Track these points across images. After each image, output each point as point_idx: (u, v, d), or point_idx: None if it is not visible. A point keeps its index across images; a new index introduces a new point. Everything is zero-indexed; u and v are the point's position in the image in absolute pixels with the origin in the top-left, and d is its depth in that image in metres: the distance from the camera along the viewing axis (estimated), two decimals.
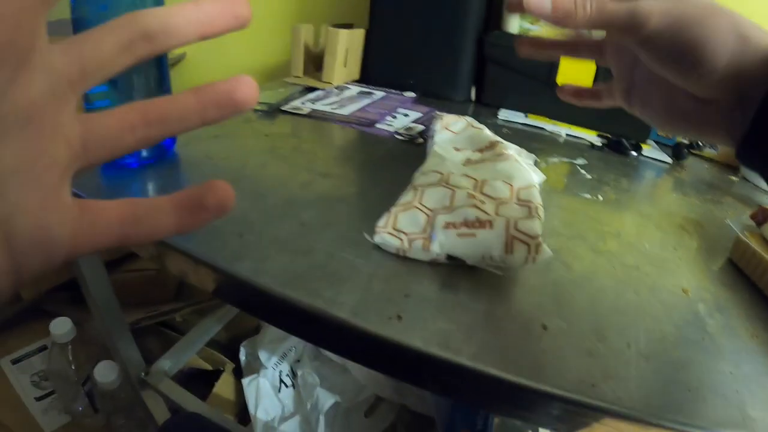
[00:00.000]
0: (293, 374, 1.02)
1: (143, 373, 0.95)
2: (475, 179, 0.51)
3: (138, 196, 0.47)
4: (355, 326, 0.35)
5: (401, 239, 0.43)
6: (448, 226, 0.43)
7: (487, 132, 0.64)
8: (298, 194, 0.52)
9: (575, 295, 0.43)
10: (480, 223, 0.42)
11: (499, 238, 0.41)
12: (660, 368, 0.36)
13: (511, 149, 0.59)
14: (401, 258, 0.43)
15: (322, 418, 0.90)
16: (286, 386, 1.00)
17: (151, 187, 0.50)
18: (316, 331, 0.39)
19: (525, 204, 0.47)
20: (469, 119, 0.67)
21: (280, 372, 1.01)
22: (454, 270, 0.42)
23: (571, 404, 0.33)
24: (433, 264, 0.43)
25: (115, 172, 0.51)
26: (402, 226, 0.44)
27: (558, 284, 0.44)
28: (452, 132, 0.64)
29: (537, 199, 0.48)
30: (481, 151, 0.60)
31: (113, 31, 0.20)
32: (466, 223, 0.42)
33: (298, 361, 1.03)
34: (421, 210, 0.45)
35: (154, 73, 0.51)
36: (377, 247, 0.44)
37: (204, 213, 0.22)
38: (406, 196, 0.48)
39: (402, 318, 0.36)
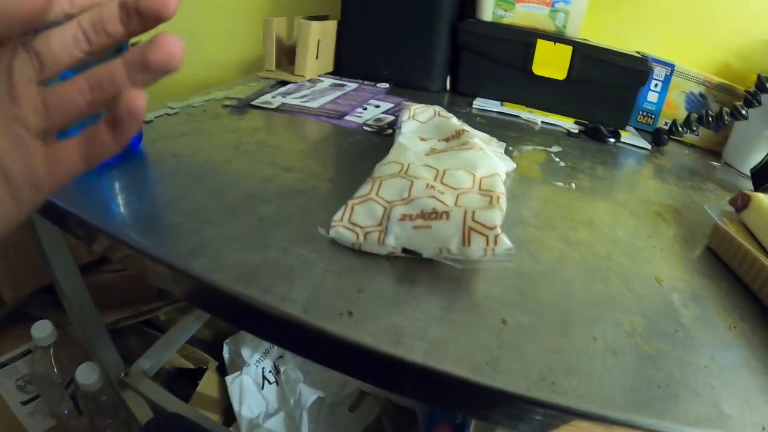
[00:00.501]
0: (276, 371, 1.01)
1: (123, 374, 0.94)
2: (436, 169, 0.50)
3: (107, 194, 0.48)
4: (305, 323, 0.34)
5: (356, 233, 0.42)
6: (404, 218, 0.41)
7: (455, 120, 0.63)
8: (259, 189, 0.51)
9: (541, 287, 0.42)
10: (437, 215, 0.41)
11: (456, 229, 0.40)
12: (628, 363, 0.35)
13: (478, 137, 0.58)
14: (357, 252, 0.42)
15: (305, 414, 0.90)
16: (270, 383, 0.99)
17: (118, 185, 0.49)
18: (268, 328, 0.38)
19: (487, 193, 0.46)
20: (437, 108, 0.66)
21: (263, 369, 1.01)
22: (413, 264, 0.41)
23: (529, 403, 0.32)
24: (391, 258, 0.42)
25: (83, 174, 0.50)
26: (358, 219, 0.43)
27: (523, 276, 0.43)
28: (419, 122, 0.63)
29: (500, 189, 0.47)
30: (447, 140, 0.59)
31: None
32: (423, 215, 0.41)
33: (281, 357, 1.03)
34: (378, 202, 0.44)
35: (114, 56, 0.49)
36: (334, 242, 0.43)
37: (149, 71, 0.23)
38: (364, 189, 0.47)
39: (353, 314, 0.35)
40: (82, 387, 0.91)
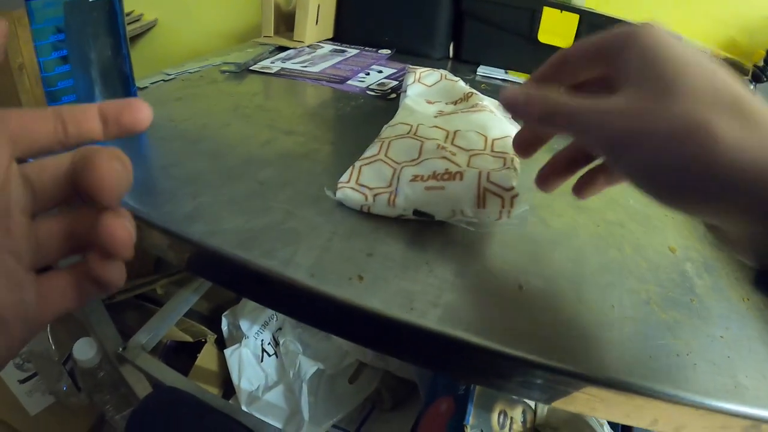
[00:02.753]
0: (275, 343, 1.00)
1: (121, 348, 0.92)
2: (446, 130, 0.48)
3: None
4: (312, 288, 0.33)
5: (365, 194, 0.40)
6: (415, 178, 0.39)
7: (462, 84, 0.60)
8: (258, 153, 0.49)
9: (554, 253, 0.40)
10: (449, 175, 0.39)
11: (470, 190, 0.38)
12: (646, 332, 0.34)
13: (488, 101, 0.56)
14: (365, 215, 0.40)
15: (304, 386, 0.89)
16: (269, 355, 0.98)
17: None
18: (271, 294, 0.36)
19: (500, 155, 0.44)
20: (443, 71, 0.63)
21: (262, 341, 0.99)
22: (423, 227, 0.40)
23: (548, 371, 0.31)
24: (400, 221, 0.40)
25: None
26: (366, 180, 0.41)
27: (536, 242, 0.41)
28: (425, 85, 0.61)
29: (513, 151, 0.45)
30: (455, 103, 0.56)
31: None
32: (435, 176, 0.39)
33: (280, 329, 1.02)
34: (387, 163, 0.42)
35: (110, 42, 0.48)
36: (340, 204, 0.41)
37: (119, 128, 0.24)
38: (372, 150, 0.45)
39: (363, 278, 0.34)
40: (80, 363, 0.89)
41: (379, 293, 0.33)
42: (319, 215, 0.39)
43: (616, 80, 0.27)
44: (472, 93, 0.56)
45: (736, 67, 0.92)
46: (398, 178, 0.40)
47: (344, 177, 0.42)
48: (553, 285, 0.36)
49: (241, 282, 0.38)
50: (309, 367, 0.91)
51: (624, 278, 0.39)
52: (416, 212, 0.39)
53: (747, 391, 0.31)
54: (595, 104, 0.26)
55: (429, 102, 0.57)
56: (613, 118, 0.25)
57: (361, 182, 0.41)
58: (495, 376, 0.32)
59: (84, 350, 0.89)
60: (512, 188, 0.38)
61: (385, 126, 0.50)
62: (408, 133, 0.46)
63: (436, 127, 0.48)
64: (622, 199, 0.51)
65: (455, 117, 0.51)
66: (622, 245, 0.43)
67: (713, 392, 0.30)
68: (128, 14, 1.28)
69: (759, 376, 0.32)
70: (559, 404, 0.32)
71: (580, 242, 0.43)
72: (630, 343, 0.33)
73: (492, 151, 0.45)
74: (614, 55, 0.27)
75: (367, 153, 0.44)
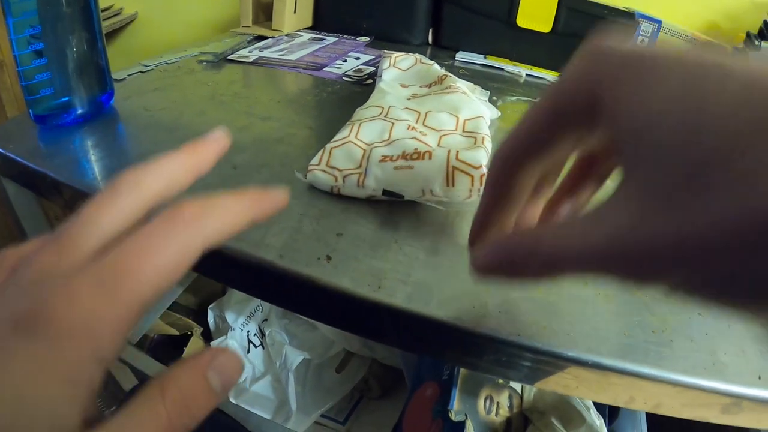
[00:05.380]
0: (261, 334, 1.00)
1: None
2: (418, 112, 0.48)
3: (76, 153, 0.46)
4: (281, 268, 0.33)
5: (335, 176, 0.40)
6: (384, 159, 0.40)
7: (437, 67, 0.60)
8: (234, 138, 0.48)
9: None
10: (419, 155, 0.39)
11: (440, 169, 0.38)
12: (622, 309, 0.34)
13: (461, 83, 0.56)
14: (337, 196, 0.40)
15: (291, 376, 0.89)
16: (255, 346, 0.98)
17: (89, 143, 0.47)
18: (243, 276, 0.36)
19: (471, 135, 0.44)
20: (419, 56, 0.63)
21: (248, 332, 0.99)
22: (395, 207, 0.40)
23: (519, 349, 0.31)
24: (371, 202, 0.40)
25: (51, 134, 0.48)
26: (336, 162, 0.41)
27: None
28: (400, 69, 0.61)
29: (484, 130, 0.45)
30: (429, 86, 0.57)
31: None
32: (404, 155, 0.39)
33: (266, 320, 1.02)
34: (357, 145, 0.42)
35: (86, 35, 0.48)
36: (312, 187, 0.41)
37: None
38: (343, 132, 0.45)
39: (331, 258, 0.34)
40: None
41: (348, 272, 0.33)
42: (292, 198, 0.39)
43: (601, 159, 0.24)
44: (446, 75, 0.57)
45: None
46: (368, 159, 0.40)
47: (314, 160, 0.42)
48: None
49: (212, 265, 0.38)
50: (295, 357, 0.91)
51: None
52: (385, 192, 0.39)
53: (726, 367, 0.31)
54: (600, 224, 0.19)
55: (403, 85, 0.57)
56: (638, 236, 0.18)
57: (332, 164, 0.41)
58: (467, 354, 0.33)
59: None
60: (481, 166, 0.38)
61: (358, 109, 0.50)
62: (379, 115, 0.47)
63: (408, 108, 0.48)
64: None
65: (428, 99, 0.51)
66: None
67: (690, 369, 0.30)
68: (108, 8, 1.27)
69: (738, 352, 0.32)
70: (533, 383, 0.33)
71: None
72: (605, 319, 0.33)
73: (463, 131, 0.45)
74: (582, 133, 0.22)
75: (338, 135, 0.44)
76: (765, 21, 0.76)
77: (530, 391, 0.62)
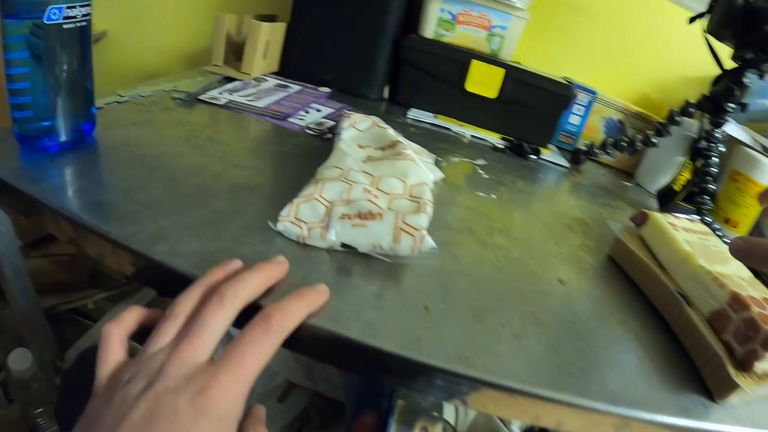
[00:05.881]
0: None
1: (59, 361, 0.94)
2: (372, 175, 0.56)
3: (55, 179, 0.48)
4: (255, 305, 0.39)
5: (301, 227, 0.47)
6: (344, 217, 0.48)
7: (391, 131, 0.69)
8: (211, 183, 0.55)
9: (459, 281, 0.49)
10: (372, 216, 0.48)
11: (388, 229, 0.47)
12: (531, 346, 0.42)
13: (411, 149, 0.65)
14: (302, 245, 0.47)
15: None
16: None
17: (68, 170, 0.51)
18: None
19: (415, 200, 0.53)
20: (375, 119, 0.72)
21: None
22: (350, 257, 0.47)
23: (446, 374, 0.38)
24: (331, 251, 0.48)
25: (33, 156, 0.51)
26: (303, 215, 0.49)
27: (444, 272, 0.50)
28: (358, 130, 0.69)
29: (427, 196, 0.54)
30: (383, 149, 0.65)
31: None
32: (360, 215, 0.48)
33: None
34: (321, 202, 0.50)
35: (77, 50, 0.51)
36: (281, 235, 0.48)
37: None
38: (308, 189, 0.52)
39: None
40: (14, 374, 0.89)
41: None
42: (263, 243, 0.46)
43: None
44: (398, 141, 0.65)
45: (646, 121, 1.05)
46: (330, 215, 0.48)
47: (284, 211, 0.49)
48: (455, 307, 0.45)
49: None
50: None
51: (517, 304, 0.48)
52: (343, 245, 0.47)
53: (615, 394, 0.40)
54: None
55: (360, 146, 0.66)
56: None
57: (299, 217, 0.48)
58: (405, 377, 0.40)
59: (19, 360, 0.88)
60: (422, 229, 0.47)
61: (320, 167, 0.58)
62: (340, 176, 0.55)
63: (364, 172, 0.57)
64: (524, 239, 0.61)
65: (381, 163, 0.60)
66: (519, 277, 0.52)
67: (584, 393, 0.39)
68: None
69: (628, 383, 0.41)
70: (456, 402, 0.40)
71: (483, 274, 0.51)
72: (516, 355, 0.41)
73: (410, 195, 0.54)
74: None
75: (304, 191, 0.52)
76: (686, 101, 0.87)
77: (464, 423, 0.68)
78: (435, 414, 0.65)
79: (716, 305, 0.45)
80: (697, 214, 0.83)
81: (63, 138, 0.53)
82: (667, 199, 0.90)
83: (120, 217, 0.46)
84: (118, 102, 0.72)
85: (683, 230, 0.57)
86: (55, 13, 0.46)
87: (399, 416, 0.66)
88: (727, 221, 0.89)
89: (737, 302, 0.43)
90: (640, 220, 0.62)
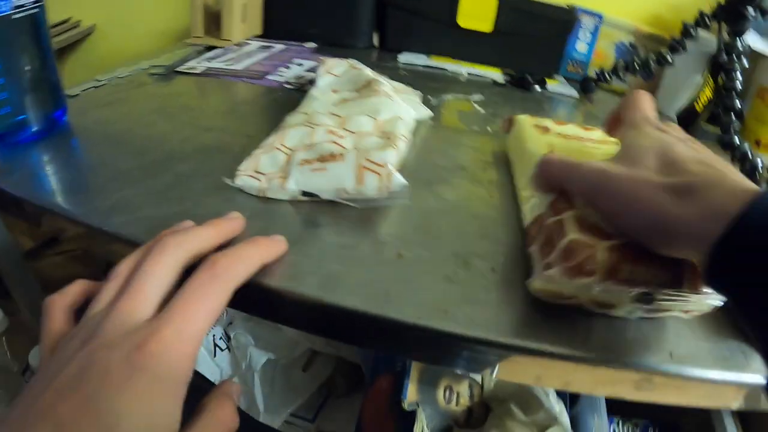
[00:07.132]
0: (227, 337, 1.02)
1: None
2: (340, 116, 0.52)
3: (25, 169, 0.47)
4: None
5: (260, 180, 0.43)
6: (303, 162, 0.43)
7: (367, 71, 0.64)
8: (178, 148, 0.52)
9: (442, 223, 0.44)
10: (332, 157, 0.43)
11: (350, 169, 0.42)
12: (526, 294, 0.36)
13: (388, 86, 0.60)
14: (263, 199, 0.44)
15: (256, 376, 0.92)
16: (221, 350, 1.00)
17: (39, 159, 0.49)
18: None
19: (385, 135, 0.48)
20: (352, 61, 0.67)
21: (214, 336, 1.01)
22: (315, 207, 0.43)
23: (418, 331, 0.33)
24: (295, 203, 0.44)
25: (6, 151, 0.50)
26: (263, 167, 0.45)
27: (426, 215, 0.45)
28: (334, 75, 0.65)
29: (400, 131, 0.49)
30: (358, 90, 0.61)
31: None
32: (320, 158, 0.43)
33: (231, 323, 1.04)
34: (281, 150, 0.46)
35: (33, 39, 0.49)
36: (242, 191, 0.44)
37: None
38: (270, 139, 0.48)
39: None
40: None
41: (276, 268, 0.36)
42: (224, 201, 0.43)
43: None
44: (375, 79, 0.61)
45: (660, 42, 0.96)
46: (291, 164, 0.44)
47: (243, 165, 0.45)
48: (435, 253, 0.40)
49: None
50: (260, 358, 0.94)
51: (510, 246, 0.42)
52: (304, 193, 0.43)
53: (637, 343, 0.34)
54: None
55: (335, 90, 0.61)
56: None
57: (259, 169, 0.44)
58: (377, 338, 0.36)
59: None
60: (386, 164, 0.42)
61: (287, 115, 0.54)
62: (304, 121, 0.50)
63: (332, 113, 0.52)
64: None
65: (353, 103, 0.55)
66: (513, 216, 0.47)
67: (566, 343, 0.33)
68: (65, 21, 1.28)
69: (650, 330, 0.36)
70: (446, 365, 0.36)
71: (472, 212, 0.46)
72: (507, 303, 0.36)
73: (381, 132, 0.49)
74: None
75: (265, 142, 0.48)
76: (700, 11, 0.80)
77: (491, 381, 0.64)
78: (459, 372, 0.63)
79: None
80: (724, 135, 0.75)
81: (34, 129, 0.52)
82: (689, 122, 0.83)
83: (84, 193, 0.44)
84: (95, 87, 0.69)
85: (557, 135, 0.50)
86: (3, 5, 0.45)
87: (421, 376, 0.63)
88: (758, 143, 0.80)
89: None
90: (507, 126, 0.57)
